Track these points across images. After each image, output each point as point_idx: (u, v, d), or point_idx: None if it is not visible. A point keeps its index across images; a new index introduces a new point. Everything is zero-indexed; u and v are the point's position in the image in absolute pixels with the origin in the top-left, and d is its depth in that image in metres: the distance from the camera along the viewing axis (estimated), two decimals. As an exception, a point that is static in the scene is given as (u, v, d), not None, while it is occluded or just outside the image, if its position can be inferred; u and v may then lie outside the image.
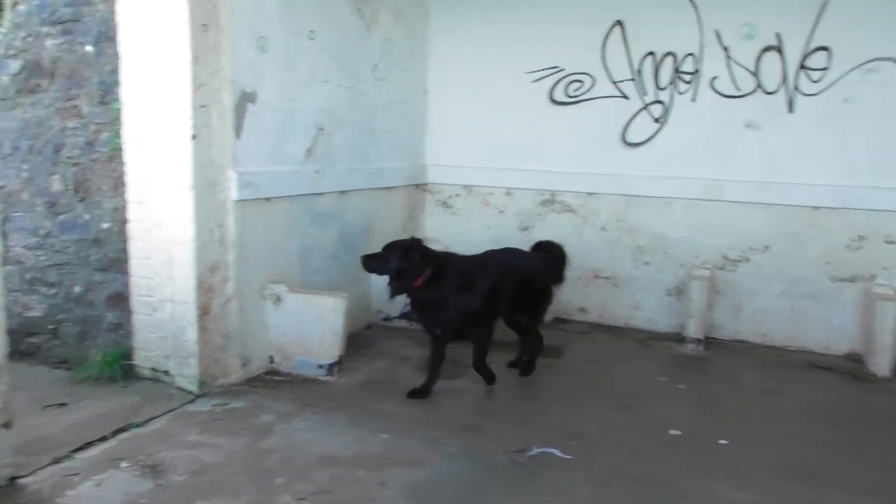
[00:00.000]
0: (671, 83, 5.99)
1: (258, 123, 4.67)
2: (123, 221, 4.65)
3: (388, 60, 6.13)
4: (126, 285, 4.65)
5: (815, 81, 5.59)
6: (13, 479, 3.35)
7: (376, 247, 6.13)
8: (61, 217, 4.92)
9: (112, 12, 4.67)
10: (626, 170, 6.24)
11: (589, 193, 6.43)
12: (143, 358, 4.62)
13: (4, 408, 3.30)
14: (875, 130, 5.48)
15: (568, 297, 6.56)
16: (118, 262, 4.72)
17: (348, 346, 5.09)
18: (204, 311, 4.44)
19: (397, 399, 4.57)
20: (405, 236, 6.66)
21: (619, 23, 6.06)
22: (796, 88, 5.64)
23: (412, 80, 6.64)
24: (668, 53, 5.96)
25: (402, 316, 5.59)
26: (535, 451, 3.89)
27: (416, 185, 6.91)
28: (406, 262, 4.47)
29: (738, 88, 5.79)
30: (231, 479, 3.47)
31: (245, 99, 4.55)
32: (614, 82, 6.16)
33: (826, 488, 3.58)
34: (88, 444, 3.75)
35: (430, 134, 6.94)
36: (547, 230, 6.58)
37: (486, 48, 6.57)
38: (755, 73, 5.73)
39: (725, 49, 5.78)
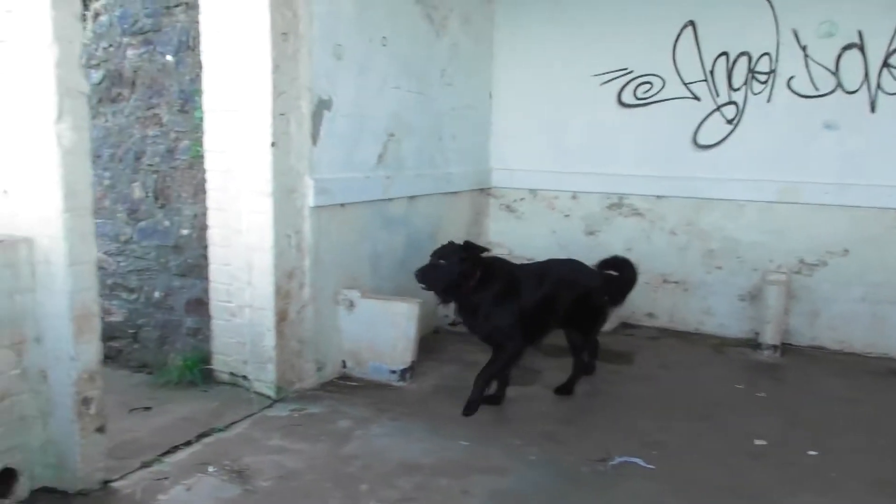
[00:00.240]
0: (745, 83, 5.86)
1: (333, 130, 4.71)
2: (203, 228, 4.74)
3: (456, 65, 6.13)
4: (205, 291, 4.73)
5: (899, 80, 5.41)
6: (106, 482, 3.43)
7: (442, 252, 6.21)
8: (142, 223, 5.03)
9: (192, 22, 4.76)
10: (697, 172, 6.11)
11: (657, 197, 6.33)
12: (222, 363, 4.69)
13: (98, 413, 3.38)
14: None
15: (635, 302, 6.43)
16: (197, 268, 4.80)
17: (417, 351, 5.09)
18: (281, 317, 4.49)
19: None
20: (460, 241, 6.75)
21: (690, 23, 5.95)
22: (879, 87, 5.45)
23: (478, 84, 6.63)
24: (743, 53, 5.83)
25: (453, 322, 5.59)
26: (618, 460, 3.83)
27: (481, 190, 6.89)
28: (462, 266, 4.39)
29: (816, 88, 5.63)
30: (316, 486, 3.49)
31: (321, 106, 4.59)
32: (685, 83, 6.05)
33: (927, 505, 3.45)
34: (175, 448, 3.82)
35: (494, 138, 6.92)
36: (614, 234, 6.52)
37: (551, 51, 6.52)
38: (835, 73, 5.56)
39: (803, 48, 5.63)
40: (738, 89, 5.89)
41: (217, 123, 4.46)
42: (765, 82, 5.78)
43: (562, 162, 6.64)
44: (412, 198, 5.71)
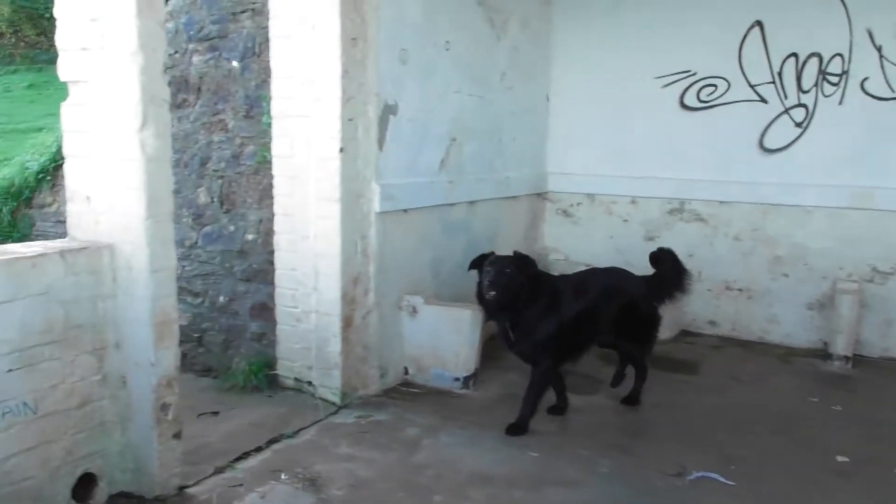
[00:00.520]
0: (816, 85, 5.69)
1: (398, 135, 4.69)
2: (268, 233, 4.75)
3: (515, 69, 6.07)
4: (269, 296, 4.74)
5: (981, 81, 5.21)
6: (181, 488, 3.44)
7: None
8: (207, 228, 5.07)
9: (258, 28, 4.80)
10: (763, 177, 5.95)
11: (721, 202, 6.18)
12: (287, 368, 4.70)
13: (175, 418, 3.39)
14: None
15: (696, 310, 6.33)
16: (262, 273, 4.82)
17: (480, 358, 5.03)
18: (347, 323, 4.48)
19: (537, 415, 4.46)
20: (526, 246, 6.68)
21: (758, 23, 5.79)
22: (960, 89, 5.27)
23: (536, 87, 6.56)
24: (813, 54, 5.66)
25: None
26: (695, 475, 3.72)
27: (538, 194, 6.82)
28: (520, 278, 4.14)
29: (892, 90, 5.44)
30: (390, 496, 3.45)
31: (387, 111, 4.57)
32: (752, 86, 5.90)
33: None
34: (246, 455, 3.82)
35: (551, 142, 6.83)
36: (674, 240, 6.33)
37: (611, 54, 6.41)
38: (912, 74, 5.38)
39: (878, 48, 5.44)
40: (807, 91, 5.72)
41: (285, 129, 4.46)
42: (837, 84, 5.61)
43: (621, 166, 6.52)
44: (472, 203, 5.66)
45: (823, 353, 5.68)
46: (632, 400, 4.72)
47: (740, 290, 6.21)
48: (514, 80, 6.07)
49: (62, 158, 6.20)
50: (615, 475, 3.73)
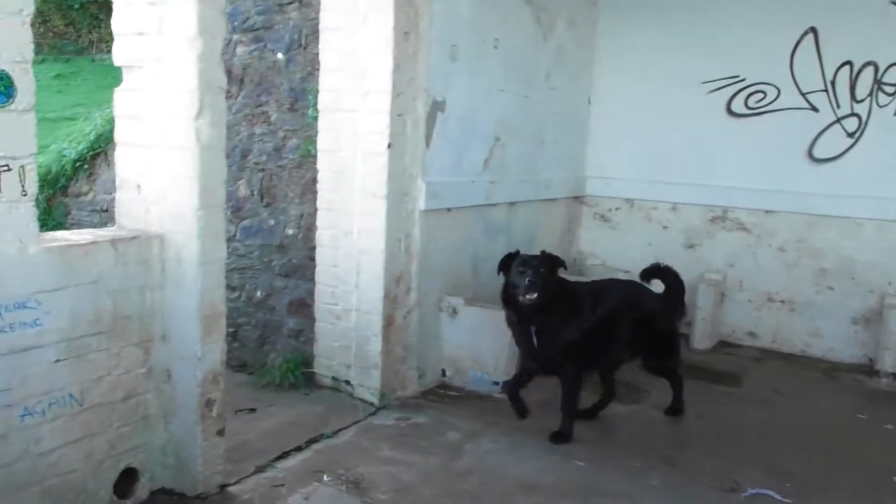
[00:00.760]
0: (870, 95, 5.53)
1: (444, 133, 4.59)
2: (309, 228, 4.67)
3: (560, 69, 5.96)
4: (308, 292, 4.66)
5: None
6: (223, 486, 3.35)
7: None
8: (245, 222, 5.00)
9: (305, 20, 4.72)
10: (811, 187, 5.80)
11: (766, 211, 6.03)
12: (324, 366, 4.61)
13: (219, 415, 3.30)
14: None
15: (735, 320, 6.21)
16: (301, 269, 4.74)
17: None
18: (388, 322, 4.38)
19: (579, 421, 4.34)
20: (562, 251, 6.56)
21: (812, 30, 5.65)
22: None
23: (578, 89, 6.44)
24: (868, 63, 5.51)
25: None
26: (751, 491, 3.60)
27: (575, 198, 6.70)
28: (552, 279, 3.96)
29: (951, 102, 5.29)
30: (435, 502, 3.36)
31: (435, 108, 4.48)
32: (803, 93, 5.75)
33: None
34: (286, 454, 3.74)
35: (591, 145, 6.71)
36: (715, 248, 6.26)
37: (656, 57, 6.28)
38: (973, 85, 5.22)
39: (938, 58, 5.30)
40: (861, 101, 5.57)
41: (331, 123, 4.38)
42: (893, 94, 5.45)
43: (662, 171, 6.39)
44: (512, 204, 5.56)
45: (869, 370, 5.52)
46: (675, 410, 4.58)
47: (782, 301, 6.06)
48: (558, 80, 5.96)
49: (100, 147, 6.22)
50: (666, 488, 3.61)
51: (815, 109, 5.74)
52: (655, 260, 5.30)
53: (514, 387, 4.23)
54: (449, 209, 4.75)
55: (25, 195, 2.64)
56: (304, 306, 4.73)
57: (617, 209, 6.70)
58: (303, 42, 4.76)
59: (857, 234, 5.70)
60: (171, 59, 3.04)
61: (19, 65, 2.58)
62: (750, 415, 4.67)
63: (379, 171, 4.21)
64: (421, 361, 4.69)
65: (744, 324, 6.20)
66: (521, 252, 4.13)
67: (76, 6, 16.11)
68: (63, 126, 8.61)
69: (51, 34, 17.73)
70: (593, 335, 4.11)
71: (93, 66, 14.18)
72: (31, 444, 2.73)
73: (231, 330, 5.01)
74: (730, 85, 6.02)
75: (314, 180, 4.60)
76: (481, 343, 4.76)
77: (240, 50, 4.99)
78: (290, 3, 4.83)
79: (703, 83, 6.11)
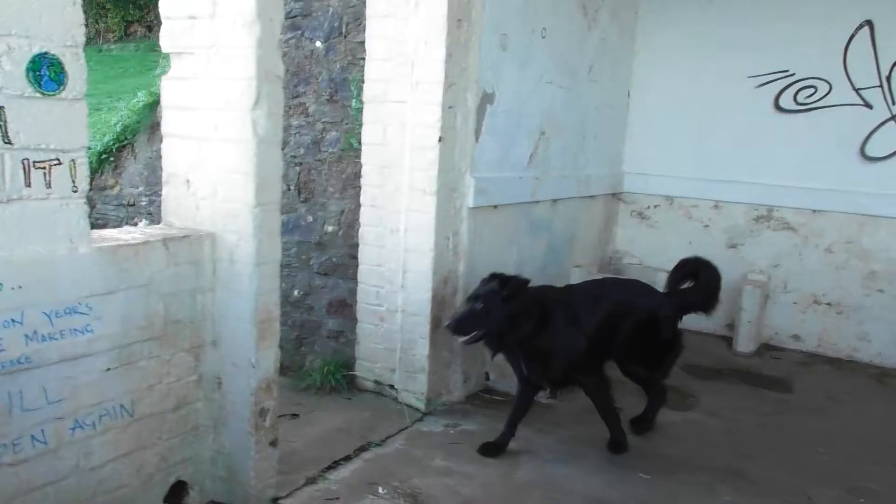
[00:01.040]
0: (929, 91, 5.33)
1: (493, 126, 4.39)
2: (350, 225, 4.47)
3: (602, 61, 5.74)
4: (349, 292, 4.47)
5: None
6: (274, 500, 3.16)
7: (577, 258, 5.84)
8: (282, 218, 4.77)
9: (346, 7, 4.52)
10: (863, 186, 5.58)
11: (814, 211, 5.82)
12: (366, 369, 4.42)
13: (273, 425, 3.11)
14: None
15: (779, 322, 6.01)
16: (342, 268, 4.54)
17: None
18: (436, 324, 4.18)
19: (630, 429, 4.14)
20: (599, 250, 6.36)
21: (867, 23, 5.42)
22: None
23: (619, 82, 6.22)
24: (927, 58, 5.30)
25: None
26: (828, 509, 3.41)
27: (613, 195, 6.49)
28: (509, 306, 3.55)
29: None
30: (500, 519, 3.17)
31: (485, 100, 4.27)
32: (856, 89, 5.53)
33: None
34: (336, 464, 3.55)
35: (630, 140, 6.50)
36: (759, 248, 6.06)
37: (700, 50, 6.06)
38: None
39: None
40: (918, 97, 5.37)
41: (377, 115, 4.17)
42: (952, 91, 5.25)
43: (704, 168, 6.18)
44: (555, 201, 5.35)
45: (921, 376, 5.34)
46: (643, 424, 4.14)
47: (829, 304, 5.85)
48: (600, 72, 5.74)
49: (126, 139, 6.00)
50: (738, 504, 3.42)
51: (868, 106, 5.52)
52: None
53: (512, 419, 3.87)
54: (496, 206, 4.55)
55: (76, 191, 2.45)
56: (344, 306, 4.53)
57: (656, 207, 6.49)
58: (343, 30, 4.55)
59: (911, 235, 5.50)
60: (225, 45, 2.84)
61: (70, 49, 2.38)
62: (808, 423, 4.48)
63: (429, 165, 4.01)
64: (466, 365, 4.49)
65: (788, 327, 6.00)
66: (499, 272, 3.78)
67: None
68: (89, 116, 8.38)
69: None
70: (595, 338, 3.80)
71: (100, 55, 14.03)
72: (82, 459, 2.54)
73: (266, 330, 4.83)
74: (778, 79, 5.80)
75: (356, 175, 4.40)
76: (527, 346, 4.56)
77: (276, 38, 4.77)
78: (330, -11, 4.61)
79: (749, 77, 5.89)
